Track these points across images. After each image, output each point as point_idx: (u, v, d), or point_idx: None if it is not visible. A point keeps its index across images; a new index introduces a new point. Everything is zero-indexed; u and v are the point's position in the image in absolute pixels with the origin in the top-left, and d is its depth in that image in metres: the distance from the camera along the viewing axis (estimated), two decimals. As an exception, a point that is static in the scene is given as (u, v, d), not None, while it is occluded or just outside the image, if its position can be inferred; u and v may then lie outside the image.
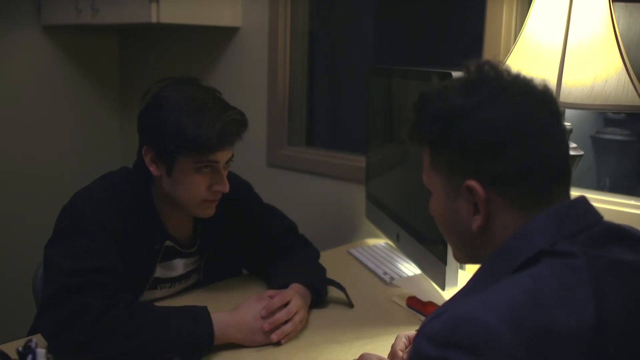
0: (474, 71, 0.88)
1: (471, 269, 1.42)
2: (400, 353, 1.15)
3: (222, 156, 1.41)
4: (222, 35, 2.58)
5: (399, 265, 1.82)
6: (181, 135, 1.35)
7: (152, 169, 1.41)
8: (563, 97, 1.37)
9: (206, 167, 1.39)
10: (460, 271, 1.49)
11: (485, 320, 0.72)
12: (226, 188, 1.43)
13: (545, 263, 0.78)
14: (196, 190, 1.41)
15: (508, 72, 0.88)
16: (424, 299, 1.53)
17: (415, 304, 1.53)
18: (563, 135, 0.87)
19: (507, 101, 0.84)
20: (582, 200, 0.85)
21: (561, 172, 0.85)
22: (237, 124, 1.40)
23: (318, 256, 1.70)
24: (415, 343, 0.76)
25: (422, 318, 1.47)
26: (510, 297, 0.74)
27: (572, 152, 1.46)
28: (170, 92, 1.41)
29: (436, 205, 0.92)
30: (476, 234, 0.87)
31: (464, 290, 0.86)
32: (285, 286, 1.46)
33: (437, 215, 0.93)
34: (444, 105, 0.86)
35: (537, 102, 0.85)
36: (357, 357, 1.16)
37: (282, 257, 1.63)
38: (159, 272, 1.50)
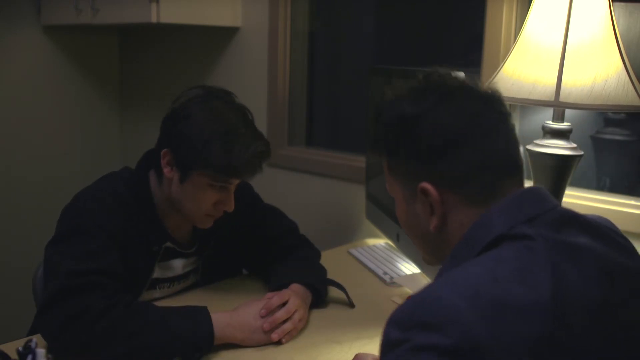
0: (422, 79, 0.93)
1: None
2: None
3: (238, 180, 1.43)
4: (222, 35, 2.58)
5: (399, 265, 1.82)
6: (208, 157, 1.36)
7: (166, 170, 1.42)
8: (563, 97, 1.37)
9: (220, 187, 1.41)
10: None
11: (443, 297, 0.74)
12: (231, 208, 1.45)
13: (505, 246, 0.81)
14: (203, 205, 1.42)
15: (454, 78, 0.93)
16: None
17: (415, 304, 1.53)
18: (511, 133, 0.90)
19: (453, 105, 0.88)
20: (538, 188, 0.89)
21: (511, 167, 0.89)
22: (263, 156, 1.42)
23: (319, 256, 1.70)
24: (383, 332, 0.78)
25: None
26: (469, 275, 0.77)
27: (572, 152, 1.47)
28: (200, 107, 1.40)
29: (399, 213, 0.97)
30: (436, 234, 0.91)
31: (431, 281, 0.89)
32: (285, 286, 1.47)
33: (401, 221, 0.98)
34: (395, 114, 0.91)
35: (482, 103, 0.90)
36: (357, 357, 1.16)
37: (282, 257, 1.63)
38: (157, 272, 1.50)
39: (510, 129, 0.90)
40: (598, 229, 0.88)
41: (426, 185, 0.88)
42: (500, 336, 0.71)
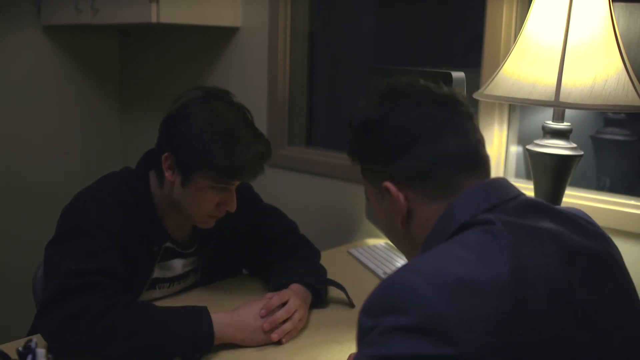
0: (385, 86, 1.00)
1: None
2: None
3: (239, 181, 1.43)
4: (222, 35, 2.58)
5: (399, 265, 1.82)
6: (209, 159, 1.36)
7: (168, 174, 1.42)
8: (563, 97, 1.37)
9: (221, 188, 1.41)
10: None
11: (405, 278, 0.78)
12: (234, 208, 1.45)
13: (467, 232, 0.86)
14: (205, 207, 1.43)
15: (415, 83, 0.99)
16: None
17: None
18: (471, 130, 0.95)
19: (408, 107, 0.94)
20: (501, 179, 0.94)
21: (471, 163, 0.93)
22: (265, 157, 1.42)
23: (319, 256, 1.70)
24: (357, 322, 0.81)
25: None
26: (431, 258, 0.81)
27: (572, 152, 1.47)
28: (200, 108, 1.40)
29: (375, 213, 1.02)
30: (405, 231, 0.96)
31: None
32: (285, 286, 1.47)
33: (379, 222, 1.03)
34: (360, 120, 0.98)
35: (438, 104, 0.94)
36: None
37: (282, 257, 1.63)
38: (157, 272, 1.50)
39: (468, 127, 0.94)
40: (562, 214, 0.92)
41: (387, 184, 0.93)
42: (462, 314, 0.73)
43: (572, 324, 0.79)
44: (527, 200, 0.92)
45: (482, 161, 0.95)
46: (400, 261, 1.85)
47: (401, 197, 0.92)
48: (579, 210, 0.98)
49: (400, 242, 1.01)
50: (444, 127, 0.92)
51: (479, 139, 0.96)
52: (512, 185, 0.93)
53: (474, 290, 0.75)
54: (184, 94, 1.44)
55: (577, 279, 0.83)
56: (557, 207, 0.95)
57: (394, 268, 1.80)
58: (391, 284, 0.79)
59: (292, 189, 2.42)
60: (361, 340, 0.80)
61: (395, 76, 1.01)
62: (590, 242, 0.89)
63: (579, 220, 0.92)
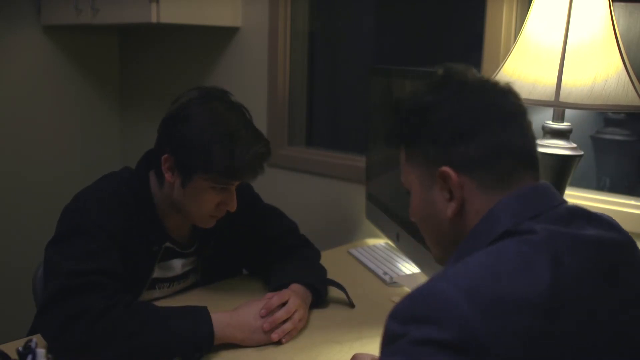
0: (441, 74, 0.96)
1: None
2: None
3: (239, 182, 1.43)
4: (222, 35, 2.58)
5: (399, 265, 1.82)
6: (209, 160, 1.36)
7: (168, 175, 1.42)
8: (563, 97, 1.37)
9: (221, 188, 1.41)
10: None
11: (441, 290, 0.75)
12: (234, 208, 1.45)
13: (507, 240, 0.82)
14: (206, 207, 1.43)
15: (473, 72, 0.96)
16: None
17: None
18: (528, 127, 0.93)
19: (471, 93, 0.91)
20: (545, 184, 0.91)
21: (528, 160, 0.91)
22: (264, 156, 1.42)
23: (319, 256, 1.70)
24: (384, 326, 0.78)
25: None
26: (469, 269, 0.78)
27: (572, 152, 1.47)
28: (200, 108, 1.39)
29: (415, 204, 0.98)
30: (452, 224, 0.91)
31: None
32: (285, 286, 1.47)
33: (416, 214, 0.99)
34: (415, 103, 0.94)
35: (500, 95, 0.92)
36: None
37: (282, 257, 1.63)
38: (156, 272, 1.50)
39: (527, 124, 0.93)
40: (605, 221, 0.90)
41: (447, 169, 0.89)
42: (498, 331, 0.71)
43: (608, 344, 0.77)
44: (571, 207, 0.89)
45: (537, 160, 0.92)
46: (400, 261, 1.85)
47: (459, 183, 0.88)
48: (609, 216, 0.96)
49: (440, 235, 0.96)
50: (508, 119, 0.90)
51: (534, 137, 0.94)
52: (555, 190, 0.91)
53: (510, 308, 0.73)
54: (183, 95, 1.44)
55: (617, 295, 0.81)
56: (596, 212, 0.92)
57: (394, 268, 1.80)
58: (425, 293, 0.76)
59: (292, 189, 2.42)
60: (387, 346, 0.76)
61: (448, 64, 0.97)
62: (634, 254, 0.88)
63: (618, 228, 0.91)
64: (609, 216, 0.94)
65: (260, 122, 2.46)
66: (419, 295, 0.76)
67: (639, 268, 0.87)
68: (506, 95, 0.93)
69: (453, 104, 0.90)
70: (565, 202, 0.90)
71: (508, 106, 0.92)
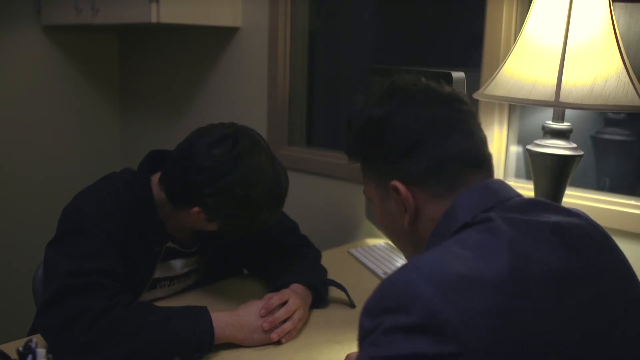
0: (387, 85, 1.00)
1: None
2: None
3: None
4: (222, 35, 2.58)
5: (399, 265, 1.82)
6: (222, 211, 1.35)
7: (193, 216, 1.37)
8: (563, 97, 1.37)
9: None
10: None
11: (405, 279, 0.78)
12: None
13: (466, 230, 0.86)
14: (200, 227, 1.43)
15: (418, 82, 0.99)
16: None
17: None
18: (475, 130, 0.95)
19: (414, 106, 0.94)
20: (498, 180, 0.95)
21: (477, 162, 0.94)
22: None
23: (319, 257, 1.70)
24: (358, 324, 0.81)
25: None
26: (429, 257, 0.81)
27: (572, 152, 1.47)
28: (247, 164, 1.33)
29: (376, 213, 1.02)
30: (410, 231, 0.96)
31: None
32: (285, 286, 1.47)
33: (380, 223, 1.02)
34: (363, 118, 0.98)
35: (444, 103, 0.95)
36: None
37: (282, 257, 1.63)
38: (157, 272, 1.50)
39: (473, 126, 0.95)
40: (566, 209, 0.92)
41: (396, 183, 0.93)
42: (461, 310, 0.73)
43: (571, 322, 0.79)
44: (528, 198, 0.93)
45: (486, 160, 0.96)
46: (400, 261, 1.85)
47: (410, 196, 0.93)
48: (580, 211, 0.98)
49: (404, 242, 1.01)
50: (451, 126, 0.93)
51: (483, 137, 0.96)
52: (510, 187, 0.94)
53: (472, 287, 0.75)
54: (229, 126, 1.39)
55: (579, 271, 0.83)
56: (558, 204, 0.95)
57: (394, 268, 1.80)
58: (390, 284, 0.79)
59: (291, 189, 2.40)
60: (362, 342, 0.80)
61: (396, 75, 1.01)
62: (599, 236, 0.90)
63: (584, 216, 0.93)
64: (578, 209, 0.96)
65: (260, 122, 2.46)
66: (384, 288, 0.79)
67: (598, 249, 0.89)
68: (449, 103, 0.95)
69: (397, 118, 0.94)
70: (519, 195, 0.93)
71: (450, 114, 0.94)
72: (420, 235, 0.95)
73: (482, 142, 0.96)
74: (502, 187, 0.93)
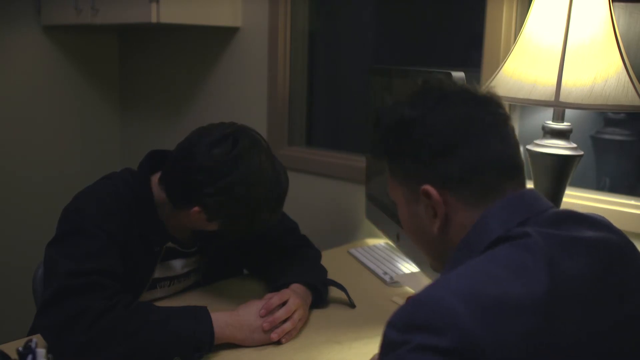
0: (421, 84, 0.96)
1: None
2: None
3: None
4: (222, 35, 2.58)
5: (399, 265, 1.82)
6: (222, 211, 1.35)
7: (193, 216, 1.37)
8: (563, 97, 1.37)
9: None
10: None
11: (440, 297, 0.74)
12: None
13: (501, 246, 0.82)
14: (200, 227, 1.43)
15: (452, 82, 0.96)
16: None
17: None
18: (510, 134, 0.92)
19: (450, 107, 0.90)
20: (532, 190, 0.91)
21: (511, 168, 0.90)
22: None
23: (319, 256, 1.70)
24: (383, 333, 0.78)
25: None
26: (465, 276, 0.78)
27: (572, 152, 1.47)
28: (247, 164, 1.33)
29: (402, 217, 0.98)
30: (439, 236, 0.92)
31: None
32: (285, 286, 1.47)
33: (405, 226, 0.99)
34: (394, 118, 0.93)
35: (479, 106, 0.91)
36: (357, 357, 1.15)
37: (282, 257, 1.63)
38: (157, 272, 1.50)
39: (508, 131, 0.91)
40: (597, 222, 0.90)
41: (428, 187, 0.89)
42: (497, 335, 0.71)
43: (604, 341, 0.78)
44: (562, 211, 0.90)
45: (520, 167, 0.92)
46: (400, 261, 1.85)
47: (442, 201, 0.89)
48: (601, 217, 0.96)
49: (429, 246, 0.97)
50: (488, 130, 0.89)
51: (517, 143, 0.93)
52: (543, 198, 0.91)
53: (508, 311, 0.73)
54: (229, 126, 1.38)
55: (613, 290, 0.81)
56: (587, 214, 0.92)
57: (394, 268, 1.80)
58: (424, 301, 0.76)
59: (291, 189, 2.40)
60: (385, 354, 0.76)
61: (428, 75, 0.98)
62: (625, 244, 0.89)
63: (612, 228, 0.91)
64: (600, 216, 0.94)
65: (260, 122, 2.46)
66: (416, 304, 0.76)
67: (634, 266, 0.87)
68: (485, 105, 0.92)
69: (431, 119, 0.89)
70: (552, 206, 0.90)
71: (487, 117, 0.90)
72: (449, 242, 0.91)
73: (516, 149, 0.92)
74: (536, 199, 0.89)
